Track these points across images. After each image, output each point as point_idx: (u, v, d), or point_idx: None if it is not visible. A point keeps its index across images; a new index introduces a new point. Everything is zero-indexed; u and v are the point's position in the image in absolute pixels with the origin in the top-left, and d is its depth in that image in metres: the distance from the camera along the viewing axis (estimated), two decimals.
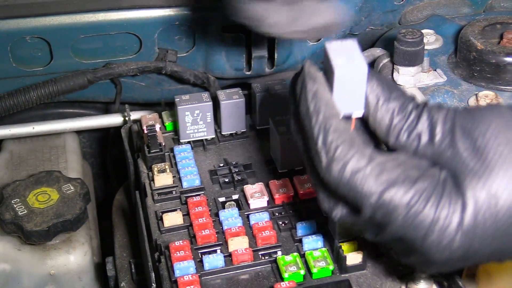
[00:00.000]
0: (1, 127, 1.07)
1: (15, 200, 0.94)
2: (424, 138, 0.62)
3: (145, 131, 0.89)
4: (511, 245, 0.60)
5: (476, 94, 0.94)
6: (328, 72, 0.64)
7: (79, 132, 1.15)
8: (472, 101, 0.94)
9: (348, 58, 0.63)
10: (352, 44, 0.64)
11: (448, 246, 0.59)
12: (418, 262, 0.63)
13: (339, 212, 0.64)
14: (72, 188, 0.96)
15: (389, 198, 0.59)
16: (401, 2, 1.13)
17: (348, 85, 0.63)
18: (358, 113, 0.64)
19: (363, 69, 0.62)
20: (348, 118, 0.65)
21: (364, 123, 0.66)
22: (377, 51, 1.03)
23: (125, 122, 1.07)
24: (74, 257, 0.94)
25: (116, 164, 1.17)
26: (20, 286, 0.94)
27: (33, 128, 1.06)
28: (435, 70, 1.00)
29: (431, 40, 1.06)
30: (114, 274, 0.91)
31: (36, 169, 1.04)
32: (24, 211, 0.93)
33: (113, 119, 1.08)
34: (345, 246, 0.76)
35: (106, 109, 1.17)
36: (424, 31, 1.05)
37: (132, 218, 0.97)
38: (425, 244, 0.59)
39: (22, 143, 1.10)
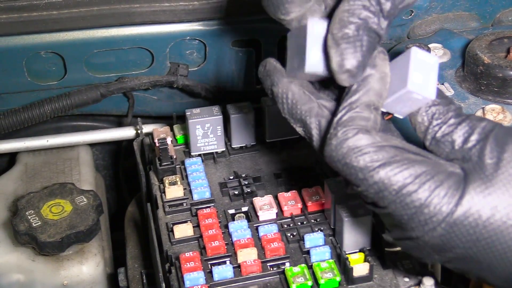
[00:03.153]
0: (16, 140, 1.09)
1: (29, 212, 0.96)
2: (458, 144, 0.64)
3: (157, 144, 0.91)
4: (482, 263, 0.62)
5: (483, 108, 0.95)
6: (397, 69, 0.65)
7: (92, 145, 1.17)
8: (478, 115, 0.95)
9: (424, 78, 0.64)
10: (434, 63, 0.65)
11: (430, 232, 0.61)
12: (400, 237, 0.64)
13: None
14: (85, 200, 0.98)
15: (382, 175, 0.61)
16: (409, 17, 1.14)
17: (409, 100, 0.65)
18: (399, 115, 0.67)
19: (430, 98, 0.65)
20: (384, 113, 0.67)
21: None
22: None
23: (137, 135, 1.08)
24: (87, 267, 0.96)
25: (128, 176, 1.19)
26: None
27: (47, 141, 1.08)
28: (443, 84, 1.01)
29: (439, 54, 1.07)
30: (126, 285, 0.93)
31: (50, 181, 1.06)
32: (38, 222, 0.94)
33: (126, 132, 1.10)
34: (352, 258, 0.77)
35: (119, 122, 1.19)
36: (432, 45, 1.07)
37: (143, 230, 0.98)
38: (411, 223, 0.61)
39: (36, 155, 1.12)
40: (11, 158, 1.15)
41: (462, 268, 0.64)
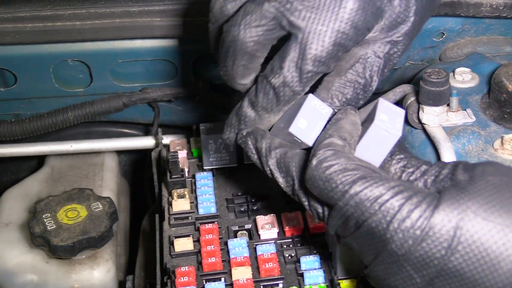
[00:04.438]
0: (43, 143, 1.12)
1: (46, 215, 0.98)
2: (430, 182, 0.66)
3: (168, 157, 0.92)
4: (465, 278, 0.61)
5: (502, 137, 0.93)
6: (367, 121, 0.70)
7: (119, 152, 1.19)
8: (497, 144, 0.93)
9: (390, 119, 0.69)
10: (400, 112, 0.71)
11: (407, 240, 0.61)
12: (380, 260, 0.64)
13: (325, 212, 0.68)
14: (100, 206, 1.00)
15: (358, 190, 0.63)
16: (441, 39, 1.13)
17: (377, 140, 0.69)
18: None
19: (396, 135, 0.69)
20: None
21: None
22: (408, 88, 1.04)
23: (156, 145, 1.10)
24: (98, 273, 0.98)
25: (152, 184, 1.21)
26: None
27: (71, 146, 1.11)
28: (465, 110, 0.99)
29: (466, 78, 1.05)
30: None
31: (73, 185, 1.09)
32: (53, 226, 0.97)
33: (147, 142, 1.13)
34: (343, 284, 0.77)
35: (147, 129, 1.21)
36: (460, 69, 1.05)
37: (153, 240, 1.00)
38: (387, 233, 0.62)
39: (64, 159, 1.15)
40: (40, 161, 1.18)
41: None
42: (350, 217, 0.64)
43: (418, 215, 0.61)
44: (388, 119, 0.69)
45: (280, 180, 0.71)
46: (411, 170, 0.68)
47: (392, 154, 0.70)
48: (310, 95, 0.70)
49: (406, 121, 1.01)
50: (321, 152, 0.65)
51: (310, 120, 0.69)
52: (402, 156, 0.70)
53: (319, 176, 0.64)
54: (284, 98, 0.71)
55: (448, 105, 0.98)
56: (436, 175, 0.66)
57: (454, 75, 1.04)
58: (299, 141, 0.70)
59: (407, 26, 0.74)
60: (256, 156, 0.73)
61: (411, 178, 0.67)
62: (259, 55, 0.72)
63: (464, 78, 1.05)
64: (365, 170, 0.64)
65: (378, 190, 0.62)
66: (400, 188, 0.62)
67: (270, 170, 0.72)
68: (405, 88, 1.05)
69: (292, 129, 0.69)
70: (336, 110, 0.72)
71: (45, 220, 0.98)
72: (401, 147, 0.71)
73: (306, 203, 0.69)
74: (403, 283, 0.63)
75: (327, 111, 0.71)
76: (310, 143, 0.70)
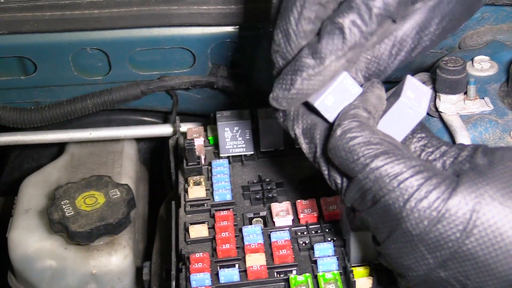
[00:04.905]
0: (62, 131, 1.14)
1: (64, 202, 1.00)
2: (449, 163, 0.66)
3: (184, 144, 0.93)
4: (479, 262, 0.61)
5: None
6: (392, 96, 0.70)
7: (139, 139, 1.20)
8: None
9: (416, 97, 0.68)
10: (427, 91, 0.70)
11: (422, 220, 0.61)
12: (392, 238, 0.64)
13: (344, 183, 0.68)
14: (118, 193, 1.01)
15: (379, 165, 0.62)
16: (460, 27, 1.12)
17: (401, 116, 0.68)
18: None
19: (421, 114, 0.68)
20: None
21: None
22: (426, 76, 1.03)
23: (174, 133, 1.11)
24: (116, 259, 1.00)
25: (170, 172, 1.22)
26: (64, 282, 1.01)
27: (90, 133, 1.12)
28: (483, 98, 0.98)
29: (485, 67, 1.04)
30: (148, 279, 0.95)
31: (92, 172, 1.10)
32: (71, 212, 0.98)
33: (165, 130, 1.13)
34: (356, 271, 0.77)
35: (166, 117, 1.22)
36: (478, 57, 1.04)
37: (170, 227, 1.01)
38: (403, 212, 0.61)
39: (83, 146, 1.17)
40: (61, 148, 1.19)
41: (459, 277, 0.63)
42: (368, 191, 0.64)
43: (436, 197, 0.61)
44: (415, 97, 0.68)
45: (304, 146, 0.70)
46: (430, 150, 0.68)
47: (413, 132, 0.70)
48: (345, 73, 0.68)
49: None
50: (346, 123, 0.65)
51: (338, 98, 0.68)
52: (423, 135, 0.69)
53: (342, 147, 0.64)
54: (351, 39, 0.66)
55: (465, 93, 0.98)
56: (455, 157, 0.66)
57: (473, 63, 1.03)
58: (322, 116, 0.69)
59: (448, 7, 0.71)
60: (282, 119, 0.73)
61: (430, 157, 0.67)
62: (329, 5, 0.68)
63: (483, 66, 1.05)
64: (388, 146, 0.64)
65: (399, 167, 0.62)
66: (421, 168, 0.62)
67: (295, 134, 0.71)
68: (423, 77, 1.05)
69: (318, 104, 0.68)
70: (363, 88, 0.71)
71: (64, 207, 0.99)
72: (423, 126, 0.70)
73: (326, 172, 0.69)
74: (416, 262, 0.63)
75: (357, 91, 0.69)
76: (331, 119, 0.69)
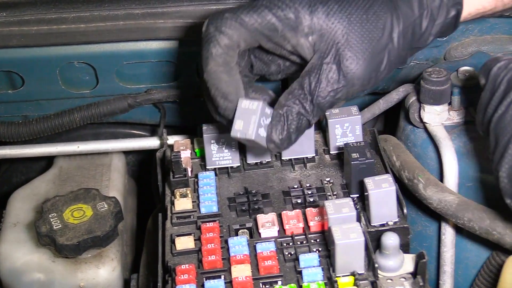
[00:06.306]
0: (50, 144, 1.14)
1: (52, 215, 1.00)
2: None
3: (171, 157, 0.93)
4: None
5: None
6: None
7: (127, 152, 1.20)
8: None
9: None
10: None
11: None
12: None
13: None
14: (105, 206, 1.01)
15: None
16: (445, 38, 1.13)
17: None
18: None
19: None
20: None
21: None
22: (410, 87, 1.04)
23: (161, 145, 1.11)
24: (103, 271, 1.00)
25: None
26: None
27: (78, 147, 1.12)
28: (466, 108, 0.99)
29: (470, 77, 1.06)
30: None
31: (80, 185, 1.10)
32: (59, 225, 0.98)
33: (153, 142, 1.14)
34: (341, 281, 0.77)
35: (154, 130, 1.22)
36: (463, 68, 1.05)
37: (157, 239, 1.01)
38: None
39: (72, 160, 1.17)
40: (49, 161, 1.20)
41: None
42: None
43: None
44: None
45: None
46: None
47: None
48: (240, 99, 0.79)
49: (408, 120, 1.01)
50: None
51: (244, 119, 0.77)
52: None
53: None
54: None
55: (450, 103, 0.99)
56: None
57: (457, 74, 1.04)
58: (244, 141, 0.78)
59: None
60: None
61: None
62: None
63: (467, 77, 1.06)
64: None
65: None
66: None
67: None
68: (408, 88, 1.06)
69: (233, 134, 0.78)
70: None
71: (52, 220, 0.99)
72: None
73: None
74: None
75: (257, 105, 0.78)
76: (252, 136, 0.76)
